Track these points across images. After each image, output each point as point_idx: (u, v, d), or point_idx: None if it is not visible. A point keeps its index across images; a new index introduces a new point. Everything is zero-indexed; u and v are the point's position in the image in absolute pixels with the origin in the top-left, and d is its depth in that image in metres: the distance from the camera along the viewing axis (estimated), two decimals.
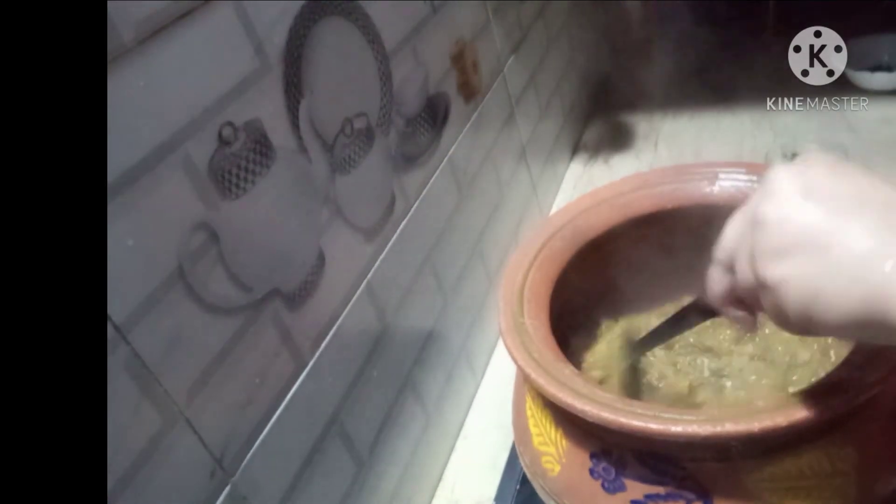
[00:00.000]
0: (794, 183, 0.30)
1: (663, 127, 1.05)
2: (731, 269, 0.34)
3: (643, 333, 0.51)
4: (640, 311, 0.59)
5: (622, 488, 0.40)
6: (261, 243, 0.42)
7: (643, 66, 1.17)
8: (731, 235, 0.34)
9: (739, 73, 1.06)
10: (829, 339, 0.51)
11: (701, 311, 0.43)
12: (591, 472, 0.41)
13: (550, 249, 0.52)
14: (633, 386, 0.52)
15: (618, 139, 1.05)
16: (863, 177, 0.29)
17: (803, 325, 0.29)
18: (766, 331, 0.54)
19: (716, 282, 0.36)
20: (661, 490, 0.39)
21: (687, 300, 0.58)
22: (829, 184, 0.29)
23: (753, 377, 0.51)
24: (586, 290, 0.56)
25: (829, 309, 0.28)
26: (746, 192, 0.52)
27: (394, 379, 0.56)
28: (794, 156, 0.84)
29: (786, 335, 0.52)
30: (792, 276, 0.29)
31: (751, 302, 0.34)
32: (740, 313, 0.36)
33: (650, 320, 0.57)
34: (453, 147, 0.65)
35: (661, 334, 0.49)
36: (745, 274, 0.32)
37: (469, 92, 0.69)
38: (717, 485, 0.38)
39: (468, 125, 0.69)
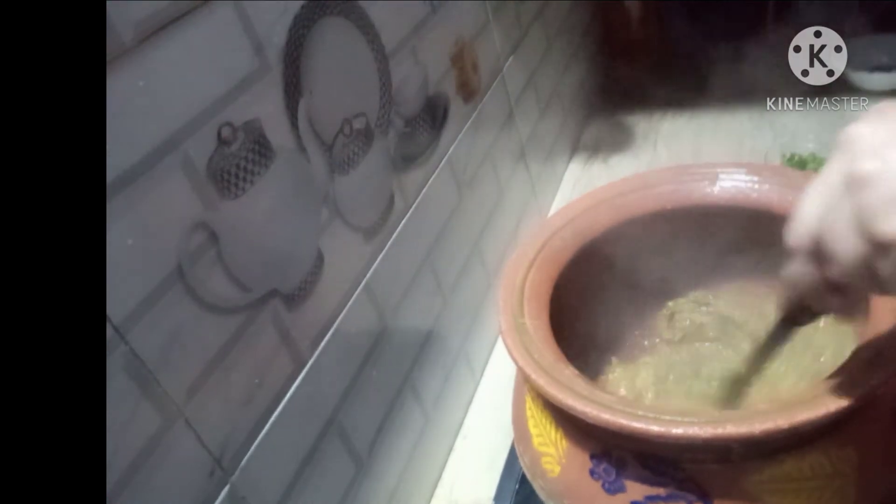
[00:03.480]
0: (880, 133, 0.28)
1: (663, 127, 1.05)
2: (817, 255, 0.31)
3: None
4: (641, 310, 0.59)
5: (622, 489, 0.40)
6: (260, 243, 0.41)
7: (642, 66, 1.16)
8: (810, 215, 0.30)
9: (739, 72, 1.06)
10: None
11: (793, 321, 0.40)
12: (592, 473, 0.41)
13: (550, 249, 0.52)
14: None
15: (617, 139, 1.05)
16: None
17: None
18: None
19: (801, 275, 0.32)
20: (661, 491, 0.39)
21: (683, 301, 0.59)
22: None
23: None
24: (586, 290, 0.56)
25: None
26: (746, 192, 0.52)
27: (393, 379, 0.56)
28: (793, 156, 0.84)
29: None
30: None
31: (853, 280, 0.30)
32: (838, 301, 0.33)
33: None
34: (452, 147, 0.65)
35: (759, 359, 0.46)
36: (847, 247, 0.28)
37: (468, 92, 0.69)
38: (717, 486, 0.38)
39: (467, 125, 0.68)
